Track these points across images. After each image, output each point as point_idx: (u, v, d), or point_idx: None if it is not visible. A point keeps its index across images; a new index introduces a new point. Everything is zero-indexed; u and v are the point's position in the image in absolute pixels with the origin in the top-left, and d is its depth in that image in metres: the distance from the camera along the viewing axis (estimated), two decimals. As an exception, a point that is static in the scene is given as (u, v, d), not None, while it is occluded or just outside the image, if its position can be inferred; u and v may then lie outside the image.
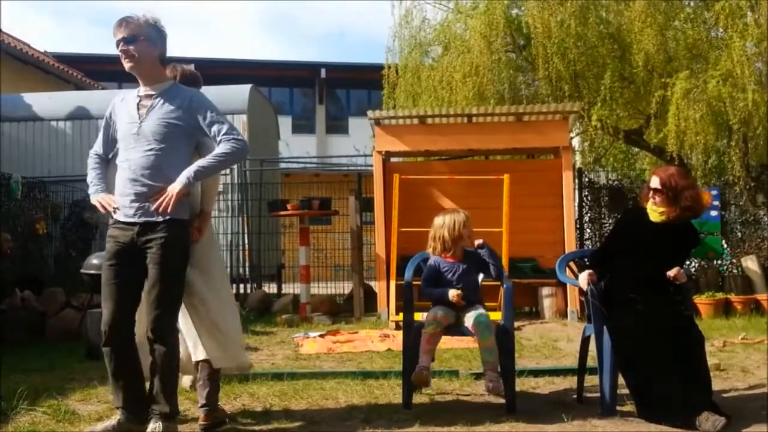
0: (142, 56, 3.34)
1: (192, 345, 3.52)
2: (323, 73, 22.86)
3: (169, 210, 3.21)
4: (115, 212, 3.34)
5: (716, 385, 3.86)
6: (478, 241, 4.10)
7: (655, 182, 3.89)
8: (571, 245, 8.20)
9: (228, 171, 9.39)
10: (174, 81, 3.54)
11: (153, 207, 3.23)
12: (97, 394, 4.30)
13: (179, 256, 3.30)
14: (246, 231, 9.97)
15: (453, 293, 3.94)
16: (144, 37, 3.33)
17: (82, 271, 5.95)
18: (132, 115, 3.39)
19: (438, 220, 4.14)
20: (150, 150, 3.30)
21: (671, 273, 3.74)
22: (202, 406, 3.49)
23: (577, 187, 9.81)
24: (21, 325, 6.98)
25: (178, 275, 3.30)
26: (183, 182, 3.23)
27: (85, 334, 6.01)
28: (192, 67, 3.87)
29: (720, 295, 8.49)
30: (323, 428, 3.51)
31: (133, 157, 3.32)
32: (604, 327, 3.76)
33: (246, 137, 10.33)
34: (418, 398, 4.08)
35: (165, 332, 3.24)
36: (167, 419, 3.23)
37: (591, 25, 9.91)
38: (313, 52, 51.11)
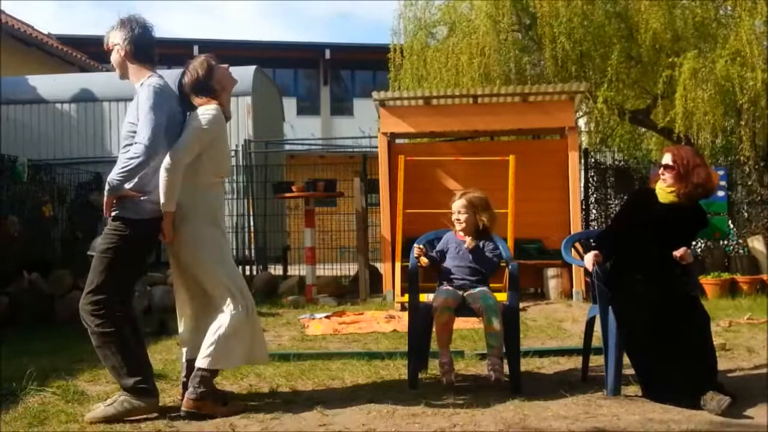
0: (118, 65, 3.59)
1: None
2: (328, 54, 22.73)
3: (105, 214, 3.45)
4: None
5: (721, 365, 3.87)
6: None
7: (667, 158, 3.89)
8: (576, 226, 8.19)
9: (233, 153, 9.38)
10: (150, 78, 3.50)
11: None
12: (105, 374, 4.31)
13: (106, 241, 3.46)
14: (251, 213, 9.98)
15: (415, 250, 4.04)
16: (116, 47, 3.56)
17: (88, 253, 5.96)
18: None
19: (459, 202, 4.17)
20: (122, 152, 3.46)
21: (678, 253, 3.74)
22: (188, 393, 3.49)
23: (583, 167, 9.79)
24: (29, 307, 7.04)
25: (101, 260, 3.44)
26: (106, 189, 3.40)
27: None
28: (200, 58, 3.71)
29: (726, 276, 8.49)
30: (330, 408, 3.54)
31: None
32: (609, 307, 3.76)
33: (251, 119, 10.42)
34: (423, 378, 4.10)
35: (85, 311, 3.42)
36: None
37: (597, 4, 9.82)
38: (317, 33, 50.89)
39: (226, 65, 3.75)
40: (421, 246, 4.13)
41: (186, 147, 3.46)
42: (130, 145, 3.40)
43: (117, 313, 3.45)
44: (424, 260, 4.07)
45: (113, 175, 3.36)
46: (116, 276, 3.44)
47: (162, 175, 3.41)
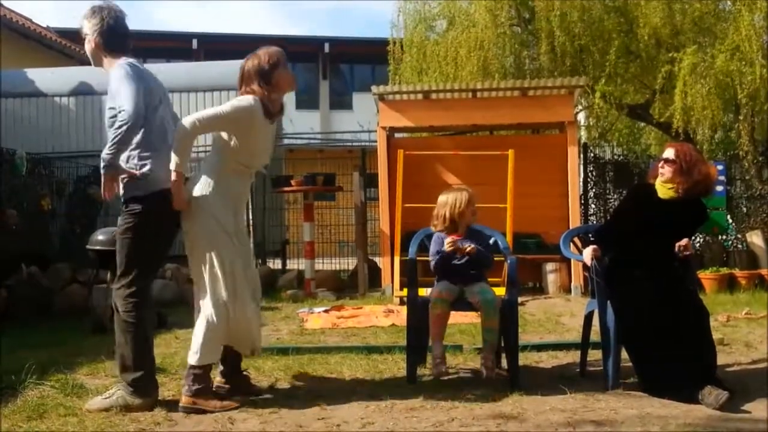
0: (90, 54, 3.61)
1: None
2: (327, 47, 22.69)
3: (104, 195, 3.41)
4: None
5: (719, 359, 3.87)
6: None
7: (669, 153, 3.89)
8: (575, 221, 8.20)
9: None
10: (118, 65, 3.48)
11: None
12: (104, 368, 4.34)
13: (123, 223, 3.49)
14: (250, 207, 9.97)
15: (447, 241, 3.95)
16: (86, 36, 3.57)
17: (87, 246, 5.96)
18: None
19: (442, 199, 4.13)
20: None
21: (682, 242, 3.75)
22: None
23: (582, 162, 9.78)
24: (28, 300, 7.04)
25: (122, 242, 3.47)
26: (101, 168, 3.38)
27: (92, 310, 6.06)
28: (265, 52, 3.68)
29: (724, 270, 8.50)
30: (328, 402, 3.54)
31: None
32: (608, 302, 3.77)
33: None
34: (422, 372, 4.11)
35: (117, 296, 3.45)
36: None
37: (597, -2, 9.82)
38: (316, 26, 50.77)
39: (292, 73, 3.74)
40: (451, 239, 4.00)
41: (203, 117, 3.48)
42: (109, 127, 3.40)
43: (147, 304, 3.47)
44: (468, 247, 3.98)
45: (105, 151, 3.35)
46: (140, 255, 3.45)
47: (175, 137, 3.44)
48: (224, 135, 3.55)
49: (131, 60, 3.50)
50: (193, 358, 3.46)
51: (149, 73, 3.59)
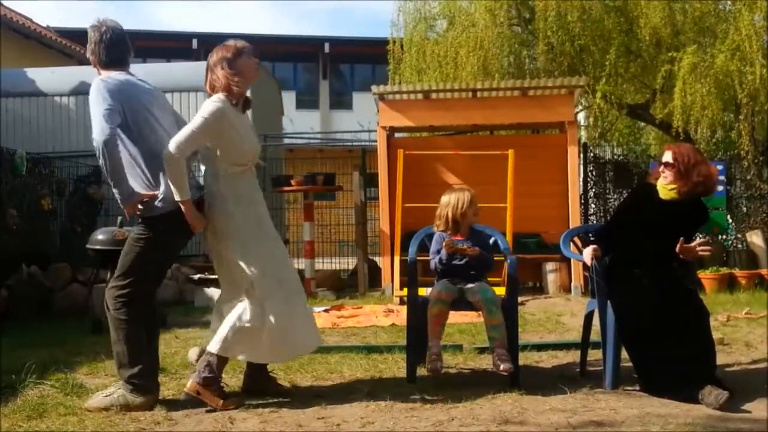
0: (95, 67, 3.62)
1: None
2: (327, 47, 22.70)
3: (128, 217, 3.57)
4: None
5: (719, 359, 3.88)
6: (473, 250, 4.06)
7: (667, 156, 3.88)
8: (575, 220, 8.20)
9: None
10: (95, 81, 3.50)
11: None
12: (104, 367, 4.35)
13: (139, 231, 3.53)
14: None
15: (445, 242, 3.95)
16: (90, 50, 3.60)
17: (87, 246, 5.96)
18: None
19: (444, 199, 4.13)
20: None
21: (695, 243, 3.74)
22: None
23: (582, 162, 9.79)
24: (28, 300, 7.04)
25: (132, 248, 3.51)
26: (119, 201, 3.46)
27: (92, 309, 6.06)
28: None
29: (724, 270, 8.50)
30: (328, 401, 3.54)
31: None
32: (608, 302, 3.77)
33: (249, 113, 10.36)
34: (422, 372, 4.11)
35: (109, 294, 3.51)
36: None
37: (597, -3, 9.81)
38: (316, 26, 50.76)
39: (257, 60, 3.75)
40: (449, 239, 4.01)
41: (183, 138, 3.43)
42: None
43: (138, 304, 3.47)
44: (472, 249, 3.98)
45: (113, 188, 3.43)
46: (144, 266, 3.48)
47: (165, 167, 3.43)
48: (208, 144, 3.54)
49: (110, 74, 3.50)
50: (214, 346, 3.48)
51: (132, 82, 3.55)
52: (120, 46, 3.61)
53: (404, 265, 6.64)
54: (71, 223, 9.00)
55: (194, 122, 3.48)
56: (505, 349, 3.78)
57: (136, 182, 3.46)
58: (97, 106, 3.37)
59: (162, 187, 3.46)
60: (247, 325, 3.47)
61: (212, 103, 3.51)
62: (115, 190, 3.42)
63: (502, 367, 3.70)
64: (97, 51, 3.56)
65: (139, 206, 3.45)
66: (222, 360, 3.53)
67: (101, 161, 3.37)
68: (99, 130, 3.34)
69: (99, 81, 3.45)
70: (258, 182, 3.78)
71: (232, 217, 3.52)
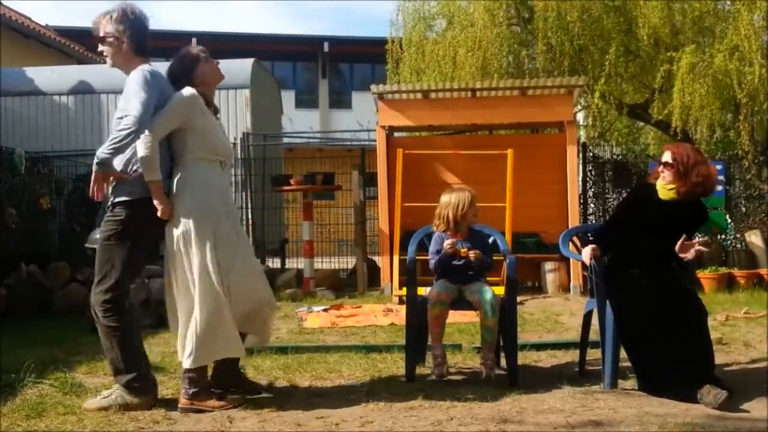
0: (112, 56, 3.56)
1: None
2: (326, 47, 22.66)
3: (91, 193, 3.39)
4: None
5: (718, 359, 3.88)
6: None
7: (666, 156, 3.88)
8: (574, 220, 8.20)
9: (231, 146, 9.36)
10: (141, 65, 3.48)
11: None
12: (103, 367, 4.33)
13: (106, 229, 3.48)
14: (249, 206, 9.97)
15: (447, 243, 3.94)
16: (110, 37, 3.51)
17: (86, 245, 5.96)
18: None
19: (444, 199, 4.13)
20: None
21: (695, 241, 3.74)
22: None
23: (581, 161, 9.79)
24: (27, 299, 7.05)
25: (104, 249, 3.46)
26: (94, 164, 3.38)
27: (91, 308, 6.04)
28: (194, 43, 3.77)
29: (723, 270, 8.50)
30: (327, 401, 3.54)
31: None
32: (607, 301, 3.77)
33: (249, 112, 10.40)
34: (420, 371, 4.11)
35: (95, 302, 3.46)
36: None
37: (596, -3, 9.81)
38: (316, 25, 50.73)
39: (217, 61, 3.73)
40: (450, 240, 4.00)
41: (158, 120, 3.40)
42: None
43: (124, 308, 3.45)
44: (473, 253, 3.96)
45: (102, 149, 3.35)
46: (122, 263, 3.43)
47: (138, 147, 3.37)
48: (181, 130, 3.50)
49: (152, 67, 3.49)
50: (186, 362, 3.42)
51: (165, 79, 3.57)
52: (147, 34, 3.59)
53: (403, 264, 6.64)
54: (70, 222, 9.01)
55: (168, 105, 3.47)
56: (493, 354, 3.85)
57: (124, 166, 3.44)
58: (147, 92, 3.33)
59: (138, 168, 3.41)
60: (206, 325, 3.38)
61: (186, 91, 3.52)
62: (101, 153, 3.33)
63: (484, 374, 3.77)
64: (132, 37, 3.50)
65: (113, 190, 3.42)
66: (201, 368, 3.48)
67: (119, 134, 3.30)
68: (141, 110, 3.28)
69: (147, 71, 3.41)
70: (229, 182, 3.73)
71: (196, 205, 3.44)
